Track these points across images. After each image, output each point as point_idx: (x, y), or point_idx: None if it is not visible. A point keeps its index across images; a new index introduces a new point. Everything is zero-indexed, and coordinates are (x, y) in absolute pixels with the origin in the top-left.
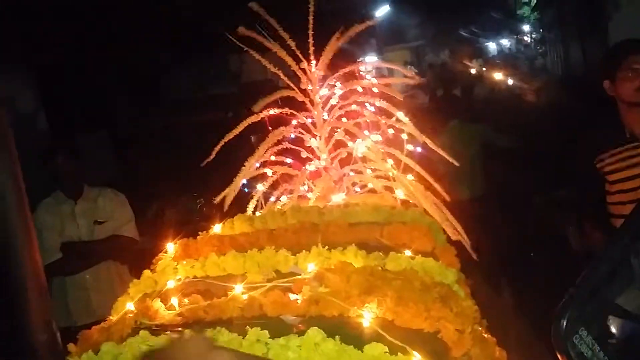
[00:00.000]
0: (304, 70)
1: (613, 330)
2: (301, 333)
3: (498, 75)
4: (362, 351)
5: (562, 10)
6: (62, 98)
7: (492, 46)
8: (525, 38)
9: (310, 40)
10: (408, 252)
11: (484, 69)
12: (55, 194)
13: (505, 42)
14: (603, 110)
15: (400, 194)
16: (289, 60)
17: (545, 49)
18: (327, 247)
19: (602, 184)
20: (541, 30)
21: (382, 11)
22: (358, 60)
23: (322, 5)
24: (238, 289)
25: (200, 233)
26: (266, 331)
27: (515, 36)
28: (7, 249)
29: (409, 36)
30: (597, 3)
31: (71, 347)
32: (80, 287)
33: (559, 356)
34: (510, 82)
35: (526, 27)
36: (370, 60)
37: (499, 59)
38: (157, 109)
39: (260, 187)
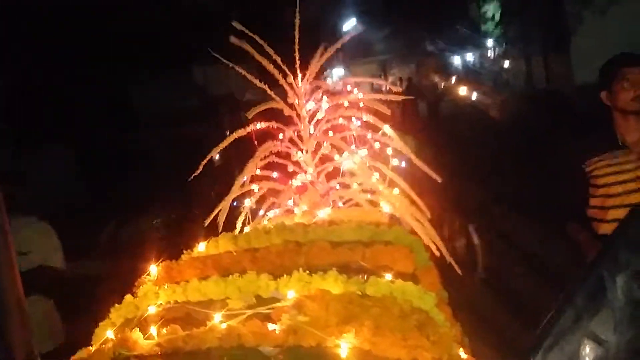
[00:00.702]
0: (290, 85)
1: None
2: None
3: (463, 90)
4: None
5: (525, 26)
6: (25, 110)
7: (457, 61)
8: (489, 53)
9: (297, 54)
10: (389, 276)
11: (450, 82)
12: None
13: (470, 57)
14: (592, 119)
15: (386, 208)
16: (276, 74)
17: (508, 63)
18: (308, 271)
19: (586, 188)
20: (504, 45)
21: (349, 24)
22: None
23: (289, 17)
24: (217, 318)
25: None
26: None
27: (479, 51)
28: None
29: (376, 50)
30: (560, 20)
31: None
32: None
33: None
34: (474, 96)
35: (490, 42)
36: (338, 74)
37: (464, 74)
38: (120, 124)
39: (248, 203)
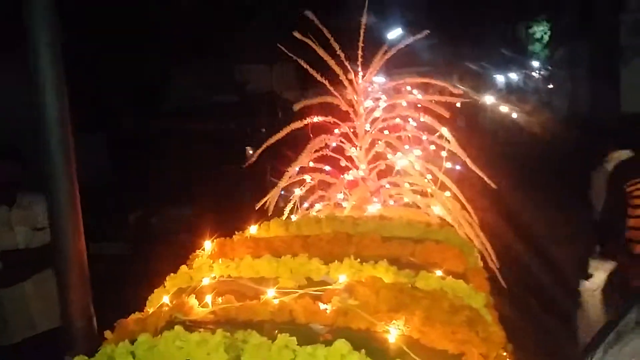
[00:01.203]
0: (350, 81)
1: None
2: (328, 343)
3: (504, 108)
4: None
5: (574, 51)
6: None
7: (500, 79)
8: (534, 74)
9: (360, 52)
10: (439, 272)
11: (491, 99)
12: None
13: (514, 76)
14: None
15: (437, 210)
16: (337, 70)
17: (553, 86)
18: (359, 259)
19: (625, 209)
20: (549, 67)
21: (394, 34)
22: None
23: (338, 23)
24: (270, 293)
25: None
26: (294, 338)
27: (524, 71)
28: (54, 234)
29: (417, 61)
30: (612, 47)
31: (108, 334)
32: (19, 299)
33: None
34: (514, 114)
35: (536, 64)
36: (379, 81)
37: (506, 92)
38: (157, 115)
39: (298, 192)
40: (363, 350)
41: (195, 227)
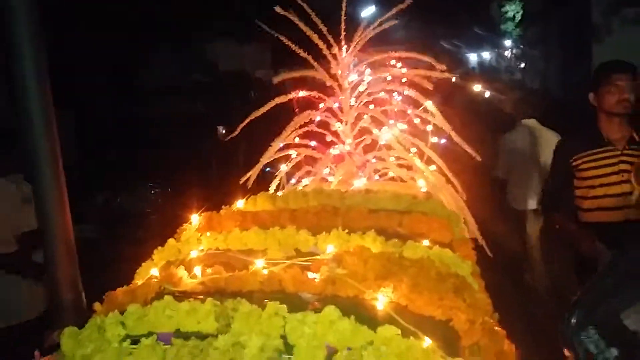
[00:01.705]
0: (334, 55)
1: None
2: (317, 310)
3: (477, 86)
4: (375, 332)
5: (546, 29)
6: None
7: (473, 58)
8: (507, 53)
9: (342, 25)
10: (426, 242)
11: (465, 78)
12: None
13: (487, 55)
14: (579, 118)
15: (422, 183)
16: (320, 44)
17: (525, 64)
18: (346, 230)
19: (571, 181)
20: (522, 46)
21: (367, 12)
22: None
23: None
24: (259, 264)
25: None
26: (284, 306)
27: (497, 50)
28: (40, 210)
29: (390, 40)
30: (584, 25)
31: (97, 306)
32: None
33: (565, 351)
34: (487, 93)
35: (508, 42)
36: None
37: (480, 71)
38: (129, 94)
39: (284, 168)
40: (352, 316)
41: (166, 207)
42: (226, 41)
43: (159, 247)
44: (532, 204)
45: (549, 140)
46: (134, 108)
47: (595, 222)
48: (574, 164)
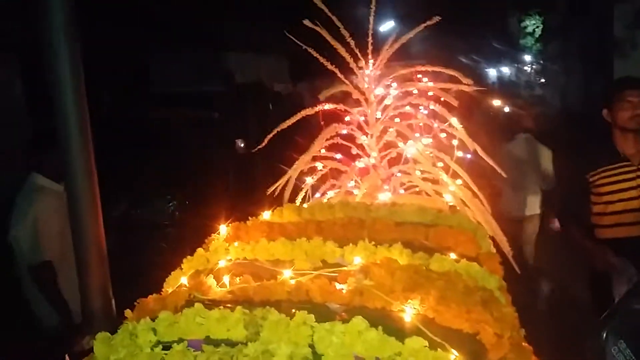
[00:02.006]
0: (360, 68)
1: None
2: (345, 321)
3: (496, 101)
4: (402, 343)
5: (566, 44)
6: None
7: (492, 73)
8: (526, 68)
9: (370, 39)
10: (453, 255)
11: (483, 93)
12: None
13: (506, 70)
14: (597, 134)
15: (448, 198)
16: (348, 58)
17: (545, 79)
18: (373, 242)
19: (588, 197)
20: (541, 61)
21: (386, 26)
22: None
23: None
24: (286, 274)
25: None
26: (312, 315)
27: (516, 65)
28: (72, 216)
29: (409, 55)
30: (605, 40)
31: (128, 313)
32: None
33: None
34: (507, 109)
35: (528, 57)
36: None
37: (499, 86)
38: (141, 101)
39: (310, 180)
40: (380, 327)
41: (184, 220)
42: (245, 52)
43: (188, 257)
44: (529, 210)
45: (542, 150)
46: (147, 115)
47: (614, 238)
48: (591, 180)
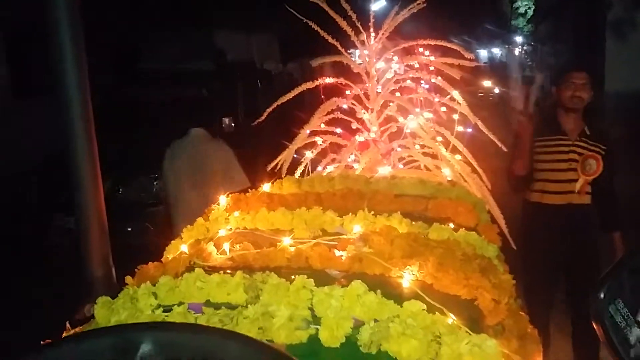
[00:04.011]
0: (362, 42)
1: None
2: (344, 286)
3: (487, 82)
4: (401, 307)
5: (559, 26)
6: (28, 56)
7: (483, 54)
8: (517, 49)
9: (371, 12)
10: (451, 225)
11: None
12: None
13: (497, 51)
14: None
15: (447, 172)
16: (349, 31)
17: (536, 61)
18: (372, 212)
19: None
20: (533, 42)
21: (377, 5)
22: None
23: None
24: (286, 241)
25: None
26: (312, 280)
27: (507, 46)
28: (74, 186)
29: (399, 34)
30: (598, 22)
31: (129, 279)
32: None
33: (594, 325)
34: (497, 90)
35: (519, 38)
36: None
37: (489, 67)
38: (127, 78)
39: (309, 154)
40: (379, 291)
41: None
42: (234, 30)
43: (188, 226)
44: None
45: None
46: (135, 92)
47: (539, 202)
48: (536, 144)
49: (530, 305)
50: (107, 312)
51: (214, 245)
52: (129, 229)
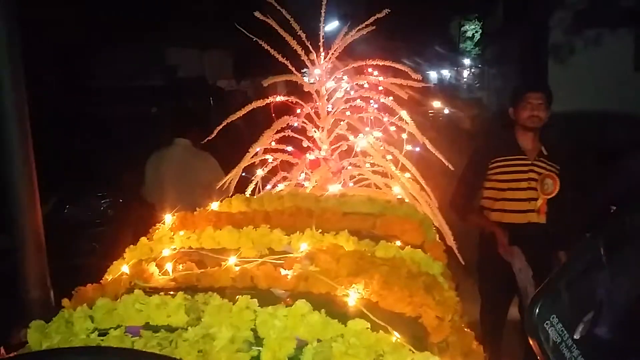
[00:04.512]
0: (312, 62)
1: (583, 321)
2: (289, 305)
3: (436, 103)
4: (345, 325)
5: (505, 49)
6: None
7: (432, 75)
8: (465, 71)
9: (321, 32)
10: (398, 243)
11: (424, 95)
12: None
13: (446, 73)
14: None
15: (397, 190)
16: (299, 50)
17: (482, 83)
18: (320, 231)
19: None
20: (480, 65)
21: (331, 26)
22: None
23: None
24: (231, 261)
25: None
26: (255, 300)
27: (456, 68)
28: (11, 207)
29: (351, 55)
30: (541, 46)
31: (65, 302)
32: None
33: (530, 341)
34: (446, 110)
35: (467, 61)
36: (316, 73)
37: (439, 88)
38: (77, 95)
39: (260, 172)
40: (323, 310)
41: (117, 219)
42: (186, 47)
43: (131, 246)
44: None
45: None
46: (85, 109)
47: (500, 222)
48: (490, 166)
49: (484, 323)
50: (39, 337)
51: (156, 266)
52: (75, 249)
